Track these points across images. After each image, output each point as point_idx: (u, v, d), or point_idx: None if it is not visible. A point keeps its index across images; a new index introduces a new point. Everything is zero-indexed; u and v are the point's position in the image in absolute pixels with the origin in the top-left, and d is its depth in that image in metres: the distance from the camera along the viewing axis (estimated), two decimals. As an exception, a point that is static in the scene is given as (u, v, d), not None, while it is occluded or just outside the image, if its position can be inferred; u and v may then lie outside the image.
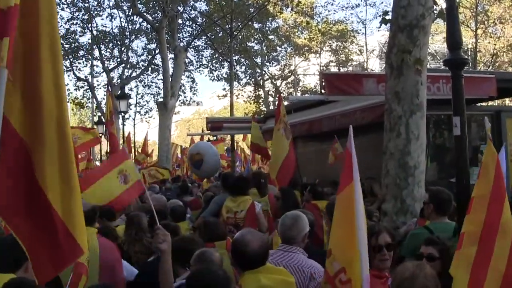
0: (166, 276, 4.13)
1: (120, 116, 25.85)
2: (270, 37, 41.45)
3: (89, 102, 44.76)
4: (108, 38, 40.11)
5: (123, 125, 24.42)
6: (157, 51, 36.84)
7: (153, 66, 40.81)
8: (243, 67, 42.16)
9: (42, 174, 3.35)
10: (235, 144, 24.79)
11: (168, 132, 28.20)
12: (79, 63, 40.45)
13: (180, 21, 33.15)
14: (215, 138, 23.86)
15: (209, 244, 5.54)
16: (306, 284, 4.51)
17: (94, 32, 38.97)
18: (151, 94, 43.50)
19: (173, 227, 6.38)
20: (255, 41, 41.42)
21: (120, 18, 39.49)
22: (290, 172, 10.83)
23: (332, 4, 77.96)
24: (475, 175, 4.75)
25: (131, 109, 38.95)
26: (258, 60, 42.43)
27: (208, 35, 34.48)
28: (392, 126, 7.82)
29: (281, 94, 38.42)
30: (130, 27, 39.10)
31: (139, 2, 31.49)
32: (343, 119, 12.37)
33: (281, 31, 42.00)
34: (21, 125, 3.31)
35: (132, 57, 40.93)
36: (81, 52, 40.21)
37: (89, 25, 38.57)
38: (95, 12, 38.28)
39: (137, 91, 44.53)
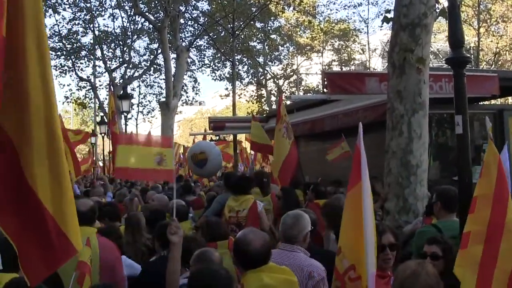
0: (174, 269, 4.16)
1: (123, 116, 25.84)
2: (272, 36, 41.49)
3: (91, 102, 44.88)
4: (110, 38, 40.23)
5: (126, 125, 24.41)
6: (159, 51, 36.91)
7: (155, 66, 40.96)
8: (245, 67, 42.29)
9: (31, 173, 3.27)
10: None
11: (171, 132, 28.23)
12: (81, 63, 40.65)
13: (182, 20, 33.22)
14: (217, 137, 23.85)
15: (211, 244, 5.53)
16: (304, 283, 4.50)
17: (96, 32, 39.13)
18: (153, 94, 43.68)
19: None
20: (257, 41, 41.49)
21: (122, 18, 39.51)
22: (291, 171, 10.85)
23: (334, 3, 78.12)
24: (477, 173, 4.74)
25: (133, 109, 39.16)
26: (260, 59, 42.43)
27: (210, 34, 34.50)
28: (394, 125, 7.82)
29: (283, 94, 38.53)
30: (132, 27, 39.24)
31: (141, 2, 31.49)
32: (346, 118, 12.36)
33: (283, 30, 42.04)
34: (7, 122, 3.24)
35: (134, 57, 41.16)
36: (83, 52, 40.40)
37: (91, 25, 38.74)
38: (97, 12, 38.45)
39: (139, 91, 44.71)
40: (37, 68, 3.25)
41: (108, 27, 46.18)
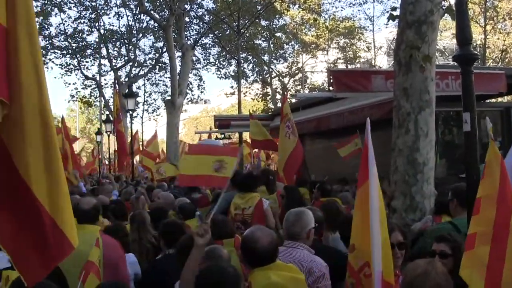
0: (190, 269, 4.13)
1: (128, 114, 25.87)
2: (277, 34, 41.46)
3: (97, 100, 44.96)
4: (116, 37, 40.36)
5: (131, 123, 24.41)
6: (164, 49, 36.97)
7: (160, 65, 41.01)
8: (251, 65, 42.25)
9: (25, 167, 3.13)
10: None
11: (176, 130, 28.24)
12: (86, 62, 40.85)
13: (187, 19, 33.19)
14: (223, 136, 23.86)
15: (217, 242, 5.52)
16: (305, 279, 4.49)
17: (102, 31, 39.26)
18: (159, 92, 43.72)
19: (180, 224, 6.36)
20: (262, 39, 41.46)
21: (127, 16, 39.58)
22: (295, 169, 10.86)
23: (339, 1, 77.45)
24: (485, 172, 4.71)
25: (138, 107, 39.13)
26: (266, 57, 42.41)
27: (215, 33, 34.49)
28: (401, 123, 7.78)
29: (288, 92, 38.50)
30: (137, 25, 39.34)
31: (146, 0, 31.55)
32: (352, 116, 12.35)
33: (288, 28, 42.03)
34: None
35: (139, 55, 41.29)
36: (88, 51, 40.55)
37: (97, 24, 38.85)
38: (102, 11, 38.61)
39: (144, 89, 44.71)
40: (30, 58, 3.13)
41: (113, 25, 46.53)
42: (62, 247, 3.29)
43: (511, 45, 38.66)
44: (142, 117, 47.02)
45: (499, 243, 3.89)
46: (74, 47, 39.18)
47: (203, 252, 4.25)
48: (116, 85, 37.67)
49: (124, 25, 41.09)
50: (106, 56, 40.34)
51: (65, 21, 38.56)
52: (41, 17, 35.72)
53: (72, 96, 42.94)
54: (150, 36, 40.35)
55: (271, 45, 42.28)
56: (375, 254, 3.52)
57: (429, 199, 7.44)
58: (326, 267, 4.68)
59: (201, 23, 36.14)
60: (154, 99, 46.39)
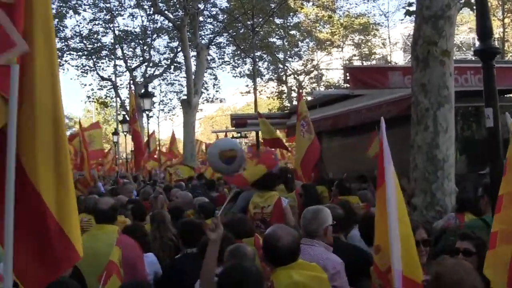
0: (209, 266, 4.14)
1: (144, 114, 25.95)
2: (292, 32, 41.35)
3: (113, 101, 45.08)
4: (130, 37, 40.53)
5: (148, 123, 24.52)
6: (179, 49, 37.02)
7: (175, 64, 41.01)
8: (266, 63, 42.21)
9: (33, 168, 3.02)
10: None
11: (192, 129, 28.29)
12: (102, 63, 40.97)
13: (201, 18, 33.20)
14: (239, 134, 23.82)
15: (237, 241, 5.50)
16: None
17: (116, 32, 39.43)
18: (174, 92, 43.72)
19: (197, 224, 6.34)
20: (277, 37, 41.36)
21: (142, 17, 39.73)
22: (310, 166, 10.82)
23: (353, -2, 77.41)
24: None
25: (154, 107, 39.20)
26: (280, 55, 42.35)
27: (230, 31, 34.50)
28: (420, 119, 7.72)
29: (304, 90, 38.41)
30: (151, 26, 39.40)
31: (159, 0, 31.61)
32: (369, 113, 12.26)
33: (302, 26, 41.87)
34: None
35: (154, 55, 41.32)
36: (104, 52, 40.72)
37: (111, 25, 39.07)
38: (117, 12, 38.75)
39: (160, 89, 44.78)
40: (45, 62, 3.10)
41: (128, 26, 46.31)
42: (67, 255, 3.17)
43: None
44: (158, 117, 47.21)
45: None
46: (89, 49, 39.43)
47: (217, 247, 4.23)
48: (132, 86, 37.83)
49: (138, 25, 41.36)
50: (121, 57, 40.53)
51: (80, 23, 38.87)
52: (57, 19, 36.02)
53: (88, 97, 43.24)
54: (165, 36, 40.39)
55: (286, 43, 42.20)
56: (394, 253, 3.47)
57: (450, 196, 7.38)
58: (341, 264, 4.65)
59: (215, 22, 36.23)
60: (169, 98, 46.49)
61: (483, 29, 5.59)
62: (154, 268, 6.05)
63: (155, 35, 40.12)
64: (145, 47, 40.46)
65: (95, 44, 39.70)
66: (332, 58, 47.26)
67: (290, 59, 44.18)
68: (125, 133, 32.71)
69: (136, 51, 41.30)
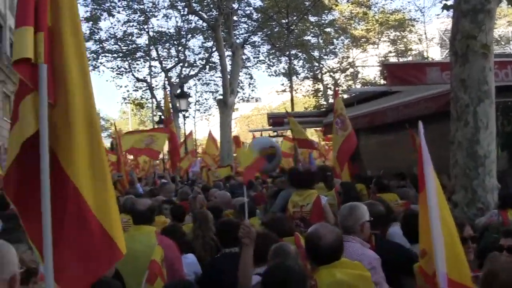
0: (245, 270, 4.16)
1: (181, 114, 26.11)
2: (327, 30, 41.20)
3: (148, 102, 45.48)
4: (165, 38, 40.85)
5: (184, 123, 24.66)
6: (214, 49, 37.18)
7: (210, 64, 41.18)
8: (301, 62, 42.11)
9: (72, 169, 2.99)
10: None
11: (229, 129, 28.38)
12: (137, 64, 41.51)
13: (235, 18, 33.29)
14: (275, 133, 23.80)
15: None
16: None
17: (151, 33, 39.81)
18: (210, 91, 43.90)
19: (235, 223, 6.36)
20: (312, 35, 41.26)
21: (176, 18, 40.06)
22: (344, 161, 10.76)
23: (388, -6, 76.85)
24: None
25: (190, 107, 39.43)
26: (316, 53, 42.23)
27: (264, 30, 34.51)
28: (459, 115, 7.62)
29: (339, 87, 38.27)
30: (186, 26, 39.65)
31: (193, 1, 31.77)
32: (407, 110, 12.14)
33: (337, 23, 41.68)
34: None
35: (189, 56, 41.58)
36: (138, 53, 41.21)
37: (146, 26, 39.46)
38: (151, 13, 39.10)
39: (195, 90, 45.01)
40: (75, 60, 3.08)
41: (162, 27, 46.81)
42: (110, 254, 3.13)
43: None
44: (194, 117, 47.47)
45: None
46: (124, 50, 39.88)
47: (251, 251, 4.23)
48: (167, 86, 38.09)
49: (172, 26, 41.70)
50: (156, 58, 40.92)
51: (115, 25, 39.38)
52: (91, 22, 36.54)
53: (124, 99, 43.82)
54: (199, 36, 40.67)
55: (321, 41, 42.08)
56: (438, 256, 3.44)
57: (492, 193, 7.27)
58: (377, 259, 4.61)
59: (250, 21, 36.28)
60: (205, 98, 46.78)
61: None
62: (194, 268, 6.09)
63: (190, 35, 40.43)
64: (179, 48, 40.76)
65: (130, 46, 40.18)
66: (367, 55, 47.04)
67: (325, 57, 44.10)
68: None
69: (171, 52, 41.71)
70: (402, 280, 4.81)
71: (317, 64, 42.75)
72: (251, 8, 35.65)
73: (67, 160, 3.02)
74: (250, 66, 40.34)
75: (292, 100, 25.96)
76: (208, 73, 42.45)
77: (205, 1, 33.66)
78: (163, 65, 40.74)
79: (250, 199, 9.27)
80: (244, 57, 35.29)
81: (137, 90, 42.54)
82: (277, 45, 35.24)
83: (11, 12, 34.84)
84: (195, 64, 41.88)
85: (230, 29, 29.82)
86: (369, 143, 15.96)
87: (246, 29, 37.14)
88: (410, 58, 44.46)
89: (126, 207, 7.69)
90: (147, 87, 41.95)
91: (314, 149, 18.62)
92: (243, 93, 40.63)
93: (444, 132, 8.10)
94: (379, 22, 42.17)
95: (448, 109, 7.97)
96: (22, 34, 2.89)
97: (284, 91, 42.89)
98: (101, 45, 38.97)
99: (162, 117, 31.85)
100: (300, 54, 40.26)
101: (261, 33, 36.07)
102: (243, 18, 36.53)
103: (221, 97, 30.73)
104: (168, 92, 29.03)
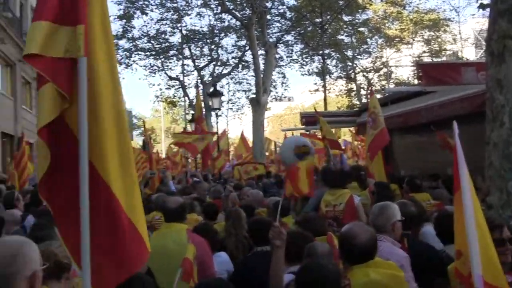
0: (276, 270, 4.16)
1: (214, 113, 26.22)
2: (360, 29, 40.99)
3: (181, 100, 45.67)
4: (198, 37, 40.94)
5: (217, 122, 24.75)
6: (247, 48, 37.26)
7: (243, 63, 41.21)
8: (334, 61, 41.95)
9: (102, 166, 2.97)
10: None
11: (261, 128, 28.40)
12: (170, 62, 41.68)
13: (269, 16, 33.32)
14: (308, 133, 23.78)
15: (311, 239, 5.53)
16: None
17: (184, 32, 39.97)
18: (242, 90, 43.95)
19: (267, 222, 6.39)
20: (345, 34, 41.09)
21: (209, 16, 40.24)
22: (375, 152, 10.69)
23: (423, -7, 75.94)
24: None
25: (223, 106, 39.56)
26: (349, 53, 42.06)
27: (298, 29, 34.46)
28: (495, 116, 7.53)
29: (373, 87, 38.06)
30: (219, 24, 39.74)
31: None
32: (441, 110, 12.03)
33: (371, 22, 41.45)
34: (70, 118, 2.98)
35: (222, 54, 41.65)
36: (171, 52, 41.31)
37: (179, 25, 39.60)
38: (184, 12, 39.21)
39: (228, 88, 45.12)
40: (105, 57, 3.07)
41: (195, 26, 47.06)
42: (140, 252, 3.11)
43: None
44: (227, 116, 47.60)
45: None
46: (157, 48, 40.10)
47: (283, 252, 4.22)
48: (200, 85, 38.23)
49: (206, 25, 41.88)
50: (189, 56, 41.03)
51: (148, 23, 39.76)
52: (124, 20, 36.85)
53: (157, 97, 44.07)
54: (232, 34, 40.72)
55: (354, 40, 41.90)
56: (473, 258, 3.43)
57: (528, 195, 7.18)
58: (406, 258, 4.61)
59: (283, 20, 36.26)
60: (238, 97, 46.79)
61: None
62: (226, 267, 6.12)
63: (223, 34, 40.49)
64: (212, 46, 40.88)
65: (163, 44, 40.36)
66: (401, 55, 46.71)
67: (358, 57, 43.93)
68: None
69: (203, 50, 41.81)
70: (433, 281, 4.79)
71: (350, 64, 42.60)
72: (284, 7, 35.72)
73: (96, 155, 2.99)
74: (283, 65, 40.37)
75: (325, 99, 25.93)
76: (241, 71, 42.54)
77: (238, 0, 33.75)
78: (196, 63, 40.89)
79: (285, 198, 9.30)
80: (277, 56, 35.30)
81: (170, 88, 42.76)
82: (310, 44, 35.18)
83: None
84: (228, 63, 41.98)
85: (263, 28, 29.85)
86: (402, 143, 15.87)
87: (280, 28, 37.15)
88: (444, 58, 44.00)
89: (158, 204, 7.78)
90: (180, 86, 42.12)
91: (342, 150, 18.53)
92: (276, 92, 40.69)
93: (479, 133, 8.02)
94: (413, 22, 41.85)
95: (483, 109, 7.89)
96: (35, 27, 2.88)
97: (317, 90, 42.79)
98: (134, 43, 39.28)
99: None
100: (333, 53, 40.15)
101: (295, 32, 36.02)
102: (277, 17, 36.55)
103: (253, 96, 30.76)
104: (200, 91, 29.16)
